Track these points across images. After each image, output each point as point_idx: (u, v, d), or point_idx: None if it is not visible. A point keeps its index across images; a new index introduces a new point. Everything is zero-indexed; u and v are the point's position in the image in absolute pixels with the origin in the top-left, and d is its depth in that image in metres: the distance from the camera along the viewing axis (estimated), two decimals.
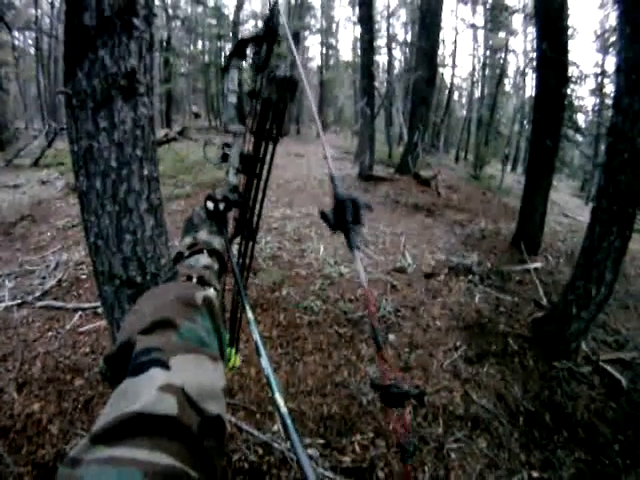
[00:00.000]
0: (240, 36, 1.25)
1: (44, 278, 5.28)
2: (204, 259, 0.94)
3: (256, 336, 0.74)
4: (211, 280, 0.84)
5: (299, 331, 4.44)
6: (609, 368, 4.26)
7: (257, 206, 1.23)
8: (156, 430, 0.43)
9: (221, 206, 1.14)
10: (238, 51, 1.22)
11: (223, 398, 0.55)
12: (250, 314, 0.83)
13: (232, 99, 1.24)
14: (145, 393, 0.46)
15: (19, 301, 4.64)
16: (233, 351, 1.46)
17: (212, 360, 0.59)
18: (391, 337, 4.52)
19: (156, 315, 0.61)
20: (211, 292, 0.77)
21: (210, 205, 1.14)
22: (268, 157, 1.17)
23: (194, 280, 0.81)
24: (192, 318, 0.64)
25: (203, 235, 1.06)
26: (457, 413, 3.56)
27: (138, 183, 2.20)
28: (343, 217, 0.71)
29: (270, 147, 1.16)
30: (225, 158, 1.24)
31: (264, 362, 0.65)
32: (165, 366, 0.50)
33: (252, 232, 1.25)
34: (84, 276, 5.30)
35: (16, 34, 22.31)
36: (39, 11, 19.92)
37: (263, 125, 1.12)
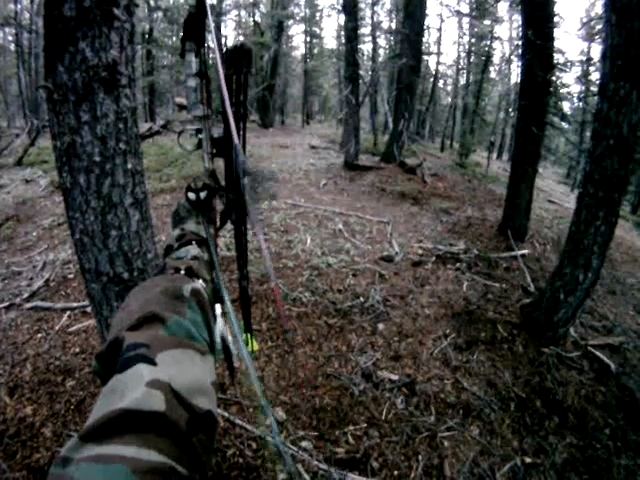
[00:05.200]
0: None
1: (31, 279, 5.22)
2: (193, 250, 0.92)
3: (235, 328, 0.72)
4: (200, 271, 0.82)
5: (288, 323, 4.43)
6: (598, 353, 4.31)
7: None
8: (144, 427, 0.42)
9: (202, 195, 1.13)
10: (188, 34, 1.19)
11: (214, 392, 0.55)
12: (229, 304, 0.81)
13: (191, 83, 1.21)
14: (132, 389, 0.45)
15: (7, 303, 4.60)
16: (249, 336, 1.43)
17: (201, 354, 0.58)
18: (380, 326, 4.54)
19: (143, 310, 0.60)
20: (199, 283, 0.76)
21: (191, 196, 1.12)
22: (241, 136, 1.14)
23: (182, 272, 0.78)
24: (180, 311, 0.63)
25: (191, 226, 1.04)
26: (449, 401, 3.58)
27: (122, 177, 2.17)
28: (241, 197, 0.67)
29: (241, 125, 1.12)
30: (200, 144, 1.22)
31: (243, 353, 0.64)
32: (151, 362, 0.50)
33: (241, 214, 1.21)
34: (71, 275, 5.26)
35: None
36: (18, 6, 19.56)
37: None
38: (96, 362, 0.56)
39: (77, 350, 3.87)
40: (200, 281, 0.77)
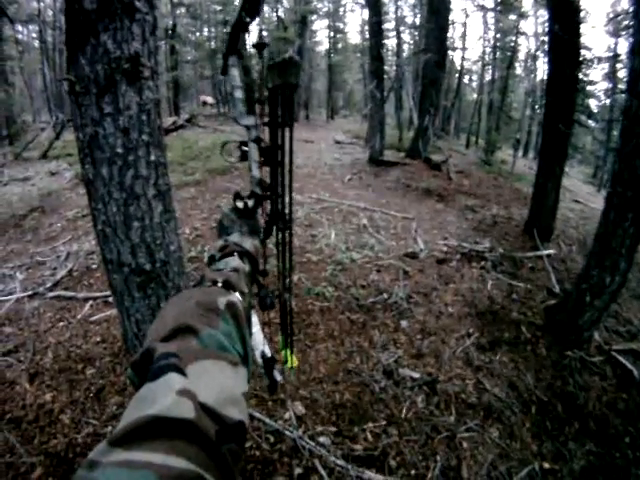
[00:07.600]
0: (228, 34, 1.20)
1: (55, 269, 5.30)
2: (234, 261, 0.92)
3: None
4: (238, 283, 0.82)
5: (311, 318, 4.43)
6: (621, 358, 4.21)
7: (286, 194, 1.19)
8: (173, 433, 0.42)
9: (250, 203, 1.13)
10: (231, 49, 1.18)
11: (244, 403, 0.55)
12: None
13: (238, 94, 1.20)
14: (162, 397, 0.46)
15: (30, 292, 4.66)
16: (288, 352, 1.43)
17: (232, 365, 0.58)
18: (403, 323, 4.50)
19: (177, 322, 0.61)
20: (236, 296, 0.76)
21: (239, 204, 1.13)
22: (287, 144, 1.13)
23: (219, 284, 0.79)
24: (213, 324, 0.64)
25: (234, 237, 1.04)
26: (469, 401, 3.54)
27: (145, 169, 2.17)
28: None
29: (287, 134, 1.11)
30: (244, 157, 1.21)
31: None
32: (182, 372, 0.50)
33: (286, 222, 1.21)
34: (94, 266, 5.32)
35: (19, 28, 22.46)
36: (41, 4, 19.99)
37: (274, 114, 1.08)
38: (131, 370, 0.57)
39: (98, 339, 3.90)
40: (237, 294, 0.78)
